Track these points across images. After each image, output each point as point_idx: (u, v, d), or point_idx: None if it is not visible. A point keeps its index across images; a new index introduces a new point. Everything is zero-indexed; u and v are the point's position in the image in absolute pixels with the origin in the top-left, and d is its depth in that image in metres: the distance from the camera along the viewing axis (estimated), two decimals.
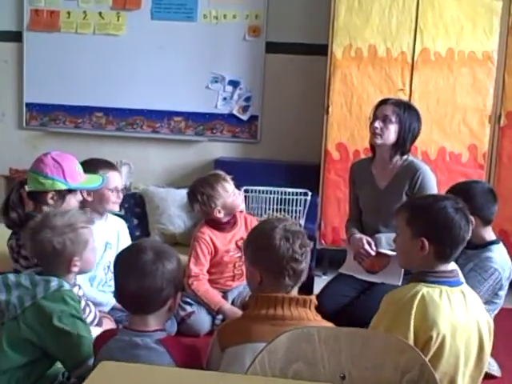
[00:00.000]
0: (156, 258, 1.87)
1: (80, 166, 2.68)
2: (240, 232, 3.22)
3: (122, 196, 3.06)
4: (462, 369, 1.85)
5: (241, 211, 3.34)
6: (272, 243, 1.87)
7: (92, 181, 2.75)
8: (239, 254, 3.18)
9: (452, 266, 2.02)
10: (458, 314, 1.85)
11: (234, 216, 3.29)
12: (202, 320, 3.07)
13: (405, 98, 3.82)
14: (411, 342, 1.77)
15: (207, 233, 3.20)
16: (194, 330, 3.03)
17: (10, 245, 2.58)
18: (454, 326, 1.83)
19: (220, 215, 3.17)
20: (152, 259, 1.87)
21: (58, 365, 2.14)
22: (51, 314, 2.01)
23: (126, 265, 1.90)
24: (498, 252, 2.73)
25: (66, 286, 2.08)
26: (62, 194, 2.59)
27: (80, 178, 2.64)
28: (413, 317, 1.81)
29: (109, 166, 3.04)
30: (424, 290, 1.86)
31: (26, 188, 2.57)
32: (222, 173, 3.27)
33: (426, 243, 1.91)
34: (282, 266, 1.86)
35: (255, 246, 1.95)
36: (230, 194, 3.16)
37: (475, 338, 1.88)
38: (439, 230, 1.92)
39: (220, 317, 3.14)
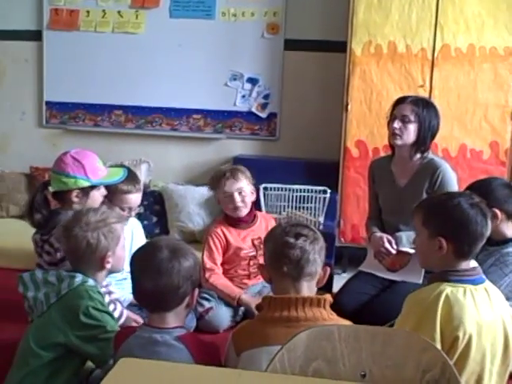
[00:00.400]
0: (172, 256, 1.88)
1: (100, 160, 2.70)
2: (258, 231, 3.20)
3: (133, 214, 3.07)
4: (489, 366, 1.84)
5: (258, 210, 3.33)
6: (271, 235, 1.93)
7: (113, 174, 2.77)
8: (254, 253, 3.17)
9: (473, 263, 2.00)
10: (482, 312, 1.83)
11: (254, 214, 3.27)
12: (221, 316, 3.06)
13: (425, 94, 3.79)
14: (438, 343, 1.76)
15: (220, 227, 3.20)
16: (213, 325, 3.03)
17: (35, 239, 2.62)
18: (480, 324, 1.82)
19: (226, 210, 3.18)
20: (168, 257, 1.87)
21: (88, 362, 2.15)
22: (77, 310, 2.02)
23: (142, 263, 1.90)
24: None
25: (90, 282, 2.10)
26: (86, 191, 2.62)
27: (101, 173, 2.67)
28: (438, 318, 1.79)
29: (132, 184, 2.98)
30: (448, 289, 1.84)
31: (50, 189, 2.60)
32: (232, 171, 3.22)
33: (444, 242, 1.89)
34: (278, 254, 1.87)
35: (264, 248, 1.99)
36: (226, 193, 3.14)
37: (500, 335, 1.86)
38: (455, 228, 1.90)
39: (240, 313, 3.14)
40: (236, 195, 3.14)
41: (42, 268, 2.54)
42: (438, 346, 1.76)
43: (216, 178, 3.21)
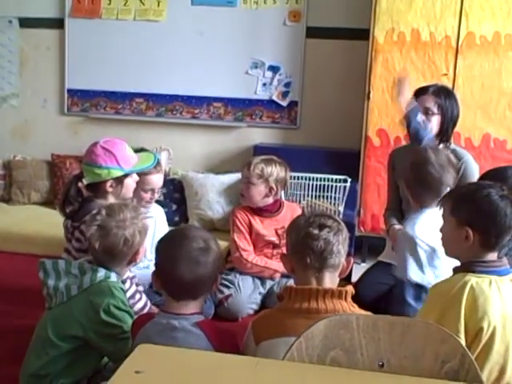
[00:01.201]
0: (206, 246, 1.91)
1: (130, 148, 2.71)
2: (282, 221, 3.19)
3: (156, 196, 3.07)
4: None
5: (284, 199, 3.35)
6: (295, 225, 1.92)
7: (144, 161, 2.77)
8: (277, 241, 3.17)
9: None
10: (508, 304, 1.81)
11: (280, 204, 3.27)
12: (240, 303, 3.07)
13: (448, 83, 3.73)
14: (462, 333, 1.75)
15: (244, 211, 3.22)
16: (232, 312, 3.03)
17: (66, 224, 2.63)
18: (505, 316, 1.80)
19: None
20: (203, 247, 1.90)
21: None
22: (98, 306, 2.02)
23: (177, 253, 1.89)
24: None
25: (113, 278, 2.10)
26: (120, 180, 2.63)
27: (133, 161, 2.67)
28: (463, 308, 1.77)
29: (155, 166, 2.99)
30: (473, 280, 1.82)
31: (84, 181, 2.60)
32: (249, 163, 3.25)
33: (471, 232, 1.87)
34: (301, 245, 1.85)
35: (287, 238, 1.97)
36: (245, 181, 3.20)
37: None
38: (483, 218, 1.87)
39: (259, 301, 3.14)
40: (243, 184, 3.23)
41: (70, 253, 2.56)
42: (462, 336, 1.75)
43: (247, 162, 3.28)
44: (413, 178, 2.63)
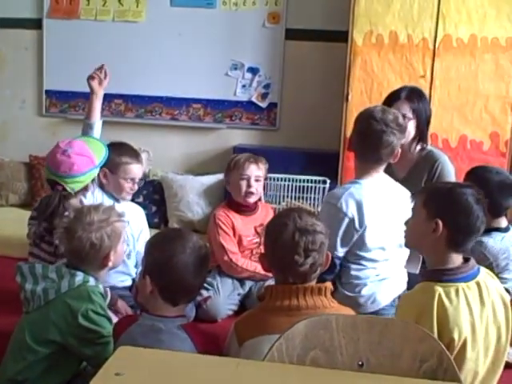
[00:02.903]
0: (204, 249, 1.95)
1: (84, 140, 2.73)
2: (259, 218, 3.21)
3: (137, 187, 3.05)
4: (483, 359, 1.84)
5: (259, 199, 3.34)
6: (279, 239, 1.86)
7: (99, 149, 2.72)
8: (257, 240, 3.17)
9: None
10: (475, 310, 1.82)
11: (257, 202, 3.28)
12: (219, 305, 3.07)
13: (425, 85, 3.78)
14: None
15: (226, 212, 3.20)
16: (211, 314, 3.03)
17: (34, 231, 2.59)
18: (473, 323, 1.81)
19: (235, 193, 3.20)
20: (201, 250, 1.93)
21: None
22: (76, 311, 2.00)
23: (178, 257, 1.89)
24: (498, 239, 2.66)
25: (92, 282, 2.08)
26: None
27: (96, 154, 2.66)
28: (435, 320, 1.77)
29: (134, 156, 3.01)
30: (440, 290, 1.82)
31: (72, 192, 2.53)
32: (255, 158, 3.22)
33: (441, 224, 1.87)
34: (286, 265, 1.85)
35: (266, 239, 1.95)
36: (245, 175, 3.16)
37: (493, 328, 1.86)
38: (456, 215, 1.88)
39: (238, 302, 3.14)
40: (253, 180, 3.16)
41: (38, 257, 2.52)
42: None
43: (238, 159, 3.21)
44: (355, 131, 2.61)
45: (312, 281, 1.87)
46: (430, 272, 1.93)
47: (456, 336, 1.77)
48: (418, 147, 3.05)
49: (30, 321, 2.07)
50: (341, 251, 2.48)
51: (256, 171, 3.18)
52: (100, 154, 2.66)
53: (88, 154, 2.59)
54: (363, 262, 2.52)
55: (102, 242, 2.08)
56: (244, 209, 3.22)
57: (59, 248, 2.12)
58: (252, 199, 3.20)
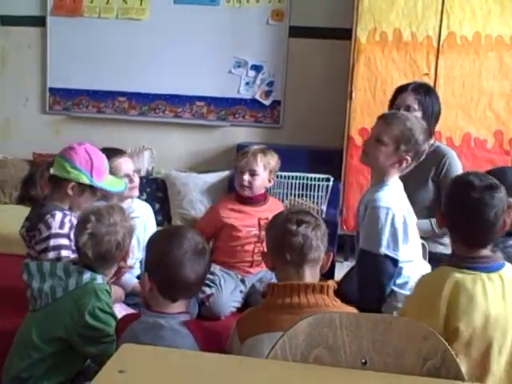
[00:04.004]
0: (203, 246, 1.94)
1: (108, 166, 2.61)
2: (267, 213, 3.19)
3: (137, 179, 3.00)
4: (496, 356, 1.80)
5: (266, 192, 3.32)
6: (273, 223, 1.95)
7: (114, 184, 2.65)
8: (257, 232, 3.16)
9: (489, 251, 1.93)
10: (491, 302, 1.79)
11: (265, 197, 3.26)
12: (222, 302, 3.05)
13: (429, 83, 3.76)
14: (440, 328, 1.74)
15: (222, 201, 3.24)
16: (214, 312, 3.02)
17: (22, 234, 2.55)
18: (487, 315, 1.78)
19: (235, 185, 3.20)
20: (201, 247, 1.92)
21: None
22: (83, 309, 2.00)
23: (179, 253, 1.88)
24: None
25: (99, 280, 2.08)
26: (82, 188, 2.49)
27: (105, 178, 2.56)
28: (443, 303, 1.77)
29: (117, 153, 2.90)
30: (456, 276, 1.81)
31: (51, 171, 2.53)
32: (255, 152, 3.19)
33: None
34: (281, 241, 1.87)
35: (265, 235, 2.01)
36: (238, 168, 3.15)
37: (511, 325, 1.82)
38: (460, 219, 1.87)
39: (241, 299, 3.14)
40: (246, 175, 3.14)
41: (32, 259, 2.51)
42: (439, 330, 1.73)
43: (244, 151, 3.20)
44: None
45: (310, 265, 1.87)
46: (451, 257, 1.91)
47: (463, 326, 1.76)
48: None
49: (37, 319, 2.07)
50: (402, 251, 2.41)
51: (250, 165, 3.13)
52: (106, 181, 2.56)
53: (95, 160, 2.50)
54: (409, 257, 2.48)
55: (125, 240, 2.11)
56: (248, 200, 3.21)
57: (82, 253, 2.09)
58: (245, 192, 3.18)
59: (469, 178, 1.90)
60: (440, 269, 1.90)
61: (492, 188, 1.85)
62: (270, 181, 3.22)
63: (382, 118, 2.51)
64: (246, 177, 3.13)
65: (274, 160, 3.21)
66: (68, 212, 2.45)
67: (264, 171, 3.18)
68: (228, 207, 3.19)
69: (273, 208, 3.17)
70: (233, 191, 3.36)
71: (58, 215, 2.40)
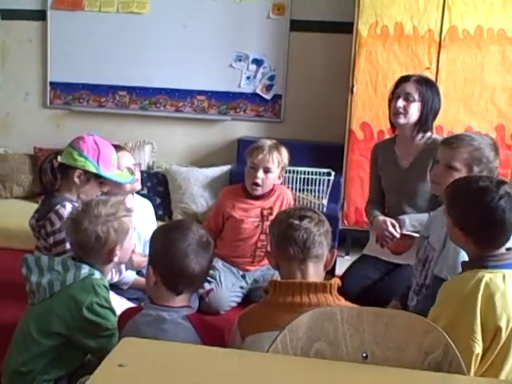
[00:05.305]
0: (207, 239, 1.95)
1: (116, 159, 2.65)
2: (269, 202, 3.18)
3: (138, 172, 3.01)
4: None
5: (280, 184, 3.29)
6: (276, 220, 1.97)
7: (121, 175, 2.72)
8: (259, 223, 3.14)
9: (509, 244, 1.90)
10: None
11: (272, 189, 3.23)
12: (221, 297, 3.06)
13: (431, 76, 3.75)
14: (479, 334, 1.71)
15: (228, 194, 3.24)
16: (214, 307, 3.03)
17: (31, 224, 2.60)
18: None
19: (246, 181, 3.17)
20: (206, 240, 1.94)
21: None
22: (81, 304, 2.00)
23: (184, 246, 1.89)
24: None
25: (97, 275, 2.08)
26: (88, 177, 2.55)
27: (112, 169, 2.60)
28: (478, 308, 1.73)
29: (115, 148, 2.86)
30: (486, 276, 1.77)
31: (59, 159, 2.56)
32: (271, 148, 3.16)
33: (465, 236, 1.84)
34: (284, 237, 1.87)
35: (269, 234, 2.01)
36: (253, 164, 3.12)
37: None
38: (473, 221, 1.83)
39: (241, 294, 3.13)
40: (260, 172, 3.11)
41: (40, 251, 2.53)
42: (479, 337, 1.71)
43: (254, 147, 3.18)
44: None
45: (313, 262, 1.86)
46: (474, 259, 1.87)
47: (503, 324, 1.72)
48: (420, 135, 3.01)
49: (35, 313, 2.07)
50: None
51: (267, 162, 3.10)
52: (113, 172, 2.60)
53: (102, 150, 2.55)
54: None
55: (108, 235, 2.08)
56: (255, 195, 3.19)
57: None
58: (257, 191, 3.16)
59: (483, 185, 1.85)
60: (467, 273, 1.84)
61: (509, 195, 1.83)
62: (279, 177, 3.20)
63: (447, 144, 2.44)
64: (260, 174, 3.10)
65: (286, 157, 3.19)
66: (77, 203, 2.47)
67: (277, 168, 3.15)
68: (233, 200, 3.18)
69: (276, 197, 3.16)
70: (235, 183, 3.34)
71: (68, 206, 2.45)
